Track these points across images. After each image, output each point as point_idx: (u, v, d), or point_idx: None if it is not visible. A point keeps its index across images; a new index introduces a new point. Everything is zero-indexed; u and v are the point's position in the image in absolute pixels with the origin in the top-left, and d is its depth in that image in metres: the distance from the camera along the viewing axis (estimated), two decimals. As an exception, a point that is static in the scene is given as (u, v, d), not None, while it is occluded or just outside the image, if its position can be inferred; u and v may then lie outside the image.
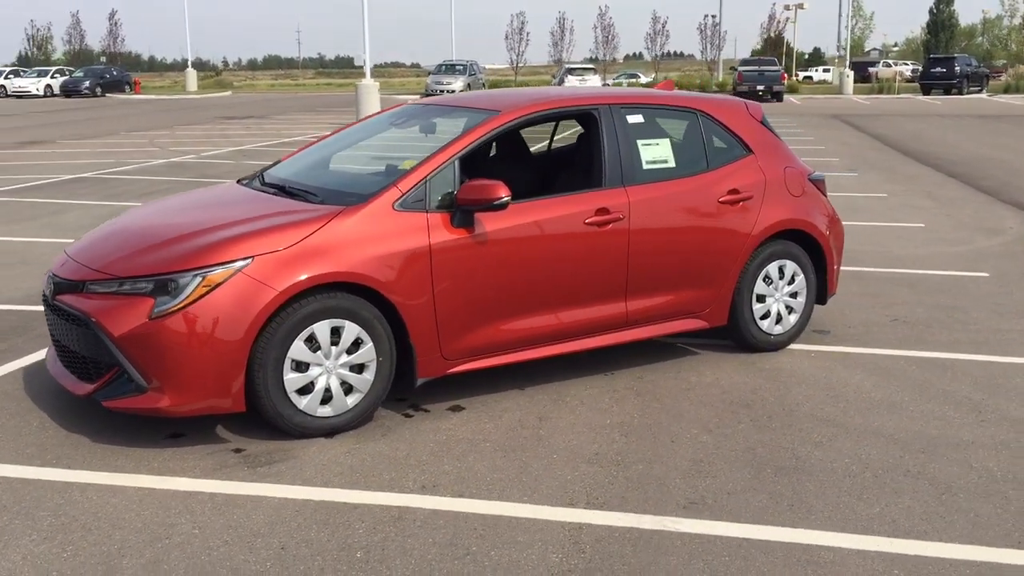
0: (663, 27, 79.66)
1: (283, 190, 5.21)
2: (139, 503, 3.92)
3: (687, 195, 5.53)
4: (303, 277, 4.38)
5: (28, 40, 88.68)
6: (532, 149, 6.89)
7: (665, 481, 4.16)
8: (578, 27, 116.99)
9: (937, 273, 8.23)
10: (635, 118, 5.54)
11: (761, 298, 5.88)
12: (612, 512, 3.86)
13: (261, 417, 4.53)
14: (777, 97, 42.53)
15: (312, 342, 4.48)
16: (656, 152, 5.55)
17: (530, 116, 5.31)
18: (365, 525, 3.74)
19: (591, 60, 78.26)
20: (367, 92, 25.82)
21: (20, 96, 51.94)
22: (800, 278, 6.00)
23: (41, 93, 52.29)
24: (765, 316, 5.92)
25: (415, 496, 3.99)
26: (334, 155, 5.78)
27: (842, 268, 8.18)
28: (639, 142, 5.49)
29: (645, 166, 5.47)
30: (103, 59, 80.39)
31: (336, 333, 4.53)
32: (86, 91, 51.94)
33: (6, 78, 53.84)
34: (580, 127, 6.22)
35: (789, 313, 6.00)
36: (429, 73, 52.87)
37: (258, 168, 6.10)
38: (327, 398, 4.58)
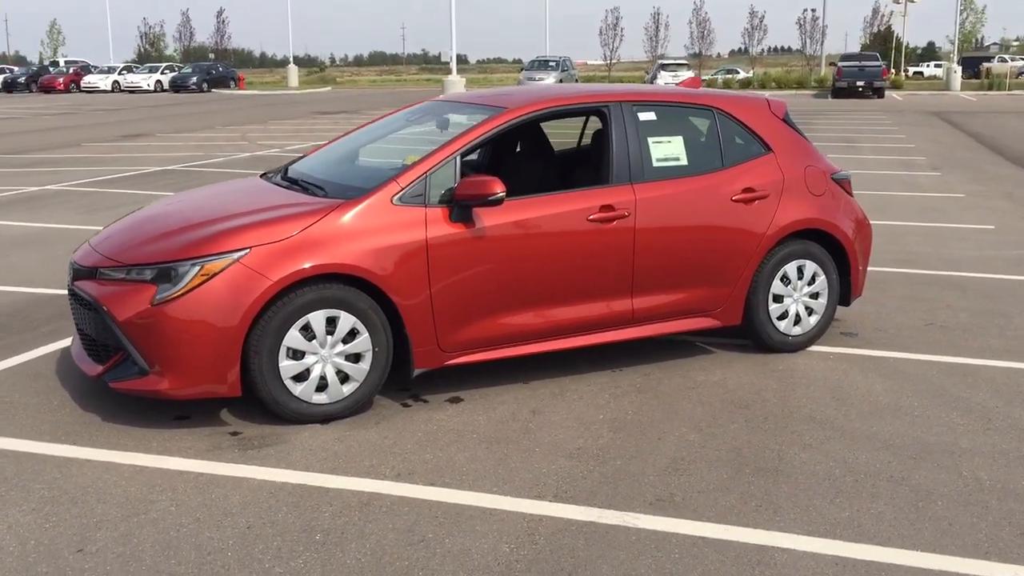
0: (760, 22, 78.33)
1: (297, 183, 5.39)
2: (128, 480, 4.13)
3: (698, 193, 5.49)
4: (297, 268, 4.53)
5: (141, 37, 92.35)
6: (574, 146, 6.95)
7: (639, 478, 4.16)
8: (673, 22, 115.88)
9: (991, 277, 7.94)
10: (647, 115, 5.53)
11: (778, 298, 5.79)
12: (576, 506, 3.89)
13: (259, 403, 4.70)
14: (878, 93, 41.24)
15: (308, 331, 4.62)
16: (668, 150, 5.52)
17: (536, 113, 5.35)
18: (332, 509, 3.87)
19: (692, 56, 77.34)
20: (452, 87, 26.20)
21: (132, 91, 54.18)
22: (821, 279, 5.89)
23: (152, 88, 54.47)
24: (783, 316, 5.83)
25: (388, 483, 4.09)
26: (352, 150, 5.93)
27: (892, 269, 8.02)
28: (650, 139, 5.48)
29: (655, 164, 5.45)
30: (211, 55, 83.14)
31: (332, 323, 4.66)
32: (193, 87, 53.93)
33: (120, 74, 56.21)
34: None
35: (809, 314, 5.90)
36: (522, 69, 53.09)
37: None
38: (323, 386, 4.72)
